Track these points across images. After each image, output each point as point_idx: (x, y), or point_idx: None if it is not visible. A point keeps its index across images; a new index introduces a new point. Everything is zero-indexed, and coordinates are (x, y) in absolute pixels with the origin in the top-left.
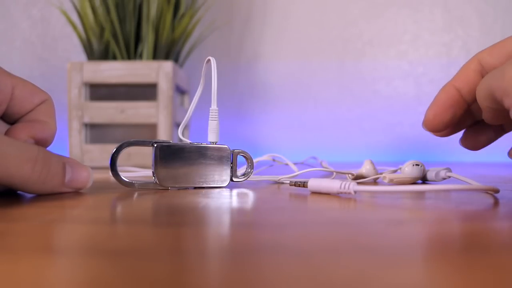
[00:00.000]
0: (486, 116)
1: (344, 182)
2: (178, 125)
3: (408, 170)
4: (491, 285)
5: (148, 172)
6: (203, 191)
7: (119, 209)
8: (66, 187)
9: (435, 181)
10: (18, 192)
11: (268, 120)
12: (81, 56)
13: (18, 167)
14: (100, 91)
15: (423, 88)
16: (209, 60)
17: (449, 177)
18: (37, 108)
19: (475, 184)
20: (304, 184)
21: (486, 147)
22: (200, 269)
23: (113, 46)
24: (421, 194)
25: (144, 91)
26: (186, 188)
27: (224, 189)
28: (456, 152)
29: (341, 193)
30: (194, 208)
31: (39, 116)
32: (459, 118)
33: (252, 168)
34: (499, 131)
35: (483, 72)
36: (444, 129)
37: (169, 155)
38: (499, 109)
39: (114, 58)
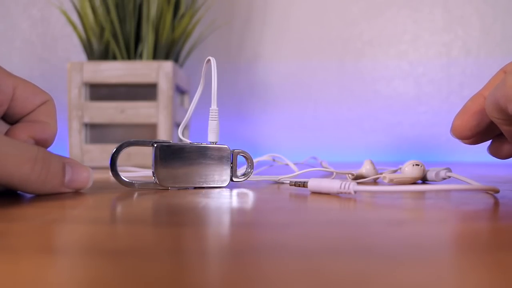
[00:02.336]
0: (502, 130)
1: (344, 182)
2: (178, 125)
3: (408, 170)
4: (491, 285)
5: (148, 172)
6: (203, 191)
7: (119, 209)
8: (66, 188)
9: (435, 181)
10: (18, 192)
11: (268, 120)
12: (81, 56)
13: (18, 167)
14: (100, 91)
15: (423, 88)
16: (209, 60)
17: (449, 177)
18: (38, 108)
19: (475, 184)
20: (304, 184)
21: (486, 147)
22: (200, 269)
23: (113, 46)
24: (421, 194)
25: (144, 91)
26: (186, 188)
27: (224, 189)
28: (456, 152)
29: (341, 193)
30: (194, 208)
31: (40, 117)
32: (487, 126)
33: (252, 168)
34: None
35: None
36: (471, 135)
37: (169, 155)
38: (510, 119)
39: (114, 58)
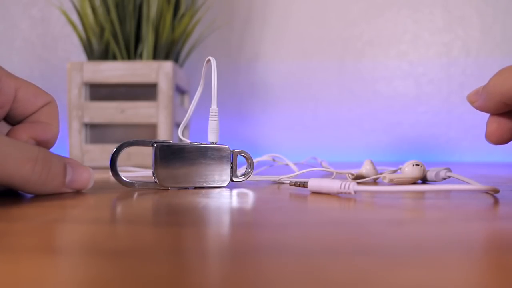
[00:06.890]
0: None
1: (344, 182)
2: (178, 125)
3: (408, 170)
4: (491, 285)
5: (148, 172)
6: (203, 191)
7: (119, 209)
8: (66, 188)
9: (435, 181)
10: (18, 192)
11: (268, 120)
12: (81, 56)
13: (18, 168)
14: (100, 91)
15: (423, 88)
16: (209, 60)
17: (449, 177)
18: (40, 110)
19: (475, 184)
20: (304, 184)
21: (486, 147)
22: (200, 269)
23: (113, 46)
24: (421, 194)
25: (144, 91)
26: (186, 188)
27: (224, 189)
28: (456, 152)
29: (341, 193)
30: (194, 208)
31: (42, 118)
32: None
33: (252, 168)
34: None
35: None
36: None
37: (169, 155)
38: None
39: (114, 58)
